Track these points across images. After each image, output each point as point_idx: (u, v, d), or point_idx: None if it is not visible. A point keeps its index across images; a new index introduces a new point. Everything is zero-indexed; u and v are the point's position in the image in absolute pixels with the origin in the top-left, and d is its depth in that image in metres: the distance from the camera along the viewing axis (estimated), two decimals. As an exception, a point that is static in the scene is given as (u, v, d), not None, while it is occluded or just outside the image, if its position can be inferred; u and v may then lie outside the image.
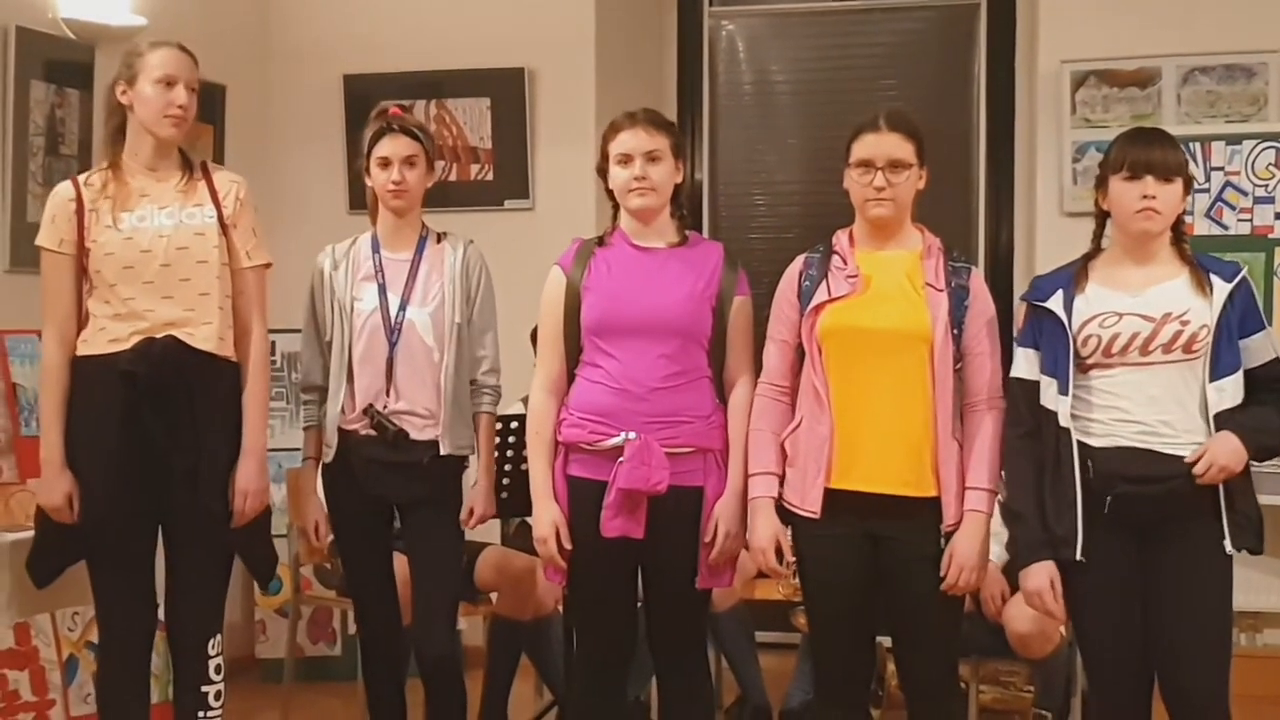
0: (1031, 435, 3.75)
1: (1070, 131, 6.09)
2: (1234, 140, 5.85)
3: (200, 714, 4.12)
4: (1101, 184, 3.77)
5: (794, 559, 3.95)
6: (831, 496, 3.83)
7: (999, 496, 3.87)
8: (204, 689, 4.12)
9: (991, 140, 6.72)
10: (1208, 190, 5.83)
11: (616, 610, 4.09)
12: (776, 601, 5.51)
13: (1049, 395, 3.72)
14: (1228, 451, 3.60)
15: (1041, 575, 3.73)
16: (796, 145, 7.05)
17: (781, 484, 3.92)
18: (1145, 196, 3.66)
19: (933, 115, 6.72)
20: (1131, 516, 3.66)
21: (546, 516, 4.02)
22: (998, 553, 5.30)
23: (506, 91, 6.58)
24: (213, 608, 4.17)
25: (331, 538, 4.50)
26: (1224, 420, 3.62)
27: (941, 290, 3.85)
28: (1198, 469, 3.59)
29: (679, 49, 7.04)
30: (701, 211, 7.01)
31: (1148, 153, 3.69)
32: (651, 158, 4.00)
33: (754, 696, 5.47)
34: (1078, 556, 3.67)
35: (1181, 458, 3.63)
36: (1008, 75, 6.67)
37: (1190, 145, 5.80)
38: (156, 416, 3.99)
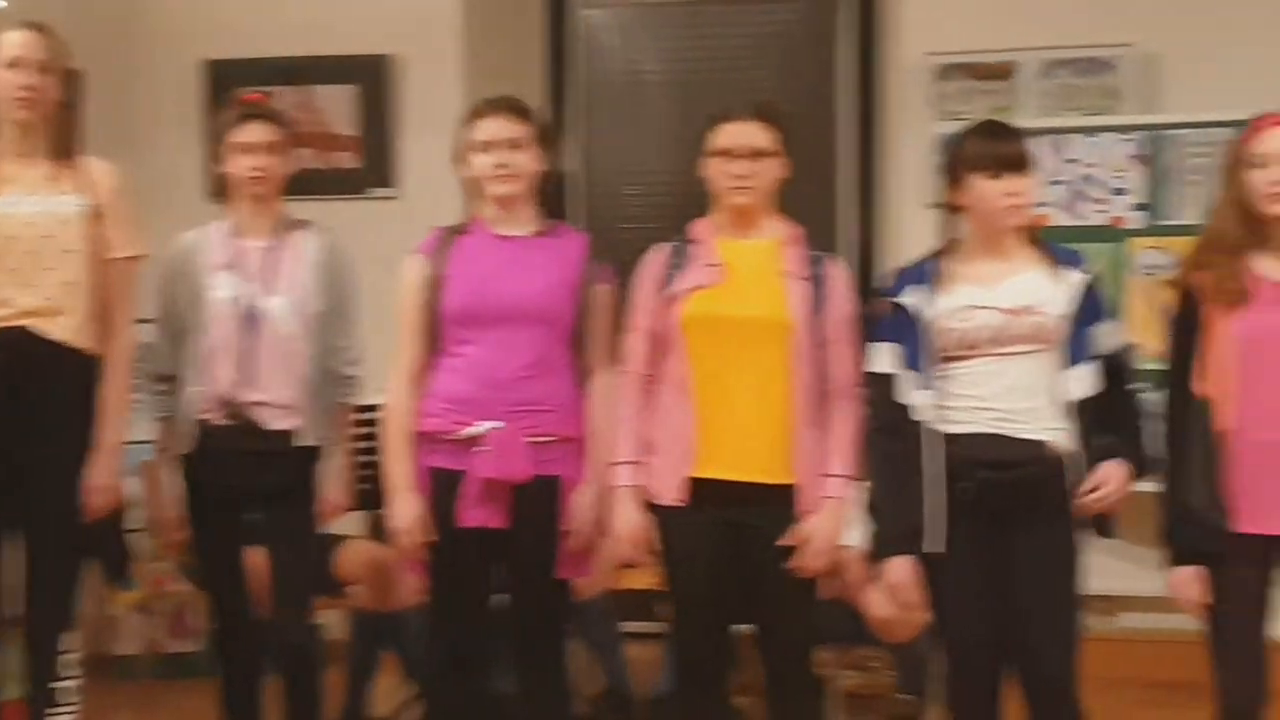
0: (890, 428, 3.78)
1: (931, 124, 6.14)
2: (1091, 133, 5.91)
3: (50, 711, 4.05)
4: (954, 180, 3.79)
5: (657, 548, 3.96)
6: (693, 485, 3.84)
7: (861, 487, 3.91)
8: (54, 686, 4.05)
9: (855, 132, 6.75)
10: (1065, 182, 5.89)
11: (474, 601, 4.07)
12: (643, 591, 5.50)
13: (907, 388, 3.76)
14: (1119, 479, 3.68)
15: (903, 569, 3.77)
16: (668, 136, 7.03)
17: (644, 473, 3.92)
18: (1011, 194, 3.70)
19: (798, 106, 6.74)
20: (989, 503, 3.70)
21: (405, 509, 3.99)
22: (860, 539, 5.36)
23: (372, 79, 6.51)
24: (62, 605, 4.11)
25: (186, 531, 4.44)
26: (1104, 449, 3.70)
27: (801, 279, 3.87)
28: (1092, 499, 3.67)
29: (548, 39, 7.01)
30: (572, 203, 6.99)
31: (1008, 148, 3.73)
32: (513, 145, 3.99)
33: (620, 686, 5.47)
34: (938, 545, 3.71)
35: (1039, 442, 3.68)
36: (871, 67, 6.71)
37: (1049, 138, 5.90)
38: (6, 410, 3.92)
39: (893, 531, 3.77)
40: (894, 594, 3.81)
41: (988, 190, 3.72)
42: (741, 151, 3.85)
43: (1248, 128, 3.65)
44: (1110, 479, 3.69)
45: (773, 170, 3.90)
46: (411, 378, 4.05)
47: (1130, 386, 3.78)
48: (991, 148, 3.74)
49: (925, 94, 6.28)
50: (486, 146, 4.00)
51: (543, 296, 3.98)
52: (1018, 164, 3.71)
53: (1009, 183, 3.69)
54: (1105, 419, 3.73)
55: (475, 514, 3.90)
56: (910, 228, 6.17)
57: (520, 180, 4.02)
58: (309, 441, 4.29)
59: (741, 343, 3.83)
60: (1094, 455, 3.70)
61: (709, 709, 4.01)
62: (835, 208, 6.81)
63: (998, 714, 3.85)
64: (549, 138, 4.14)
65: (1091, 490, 3.68)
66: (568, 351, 4.03)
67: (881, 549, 3.83)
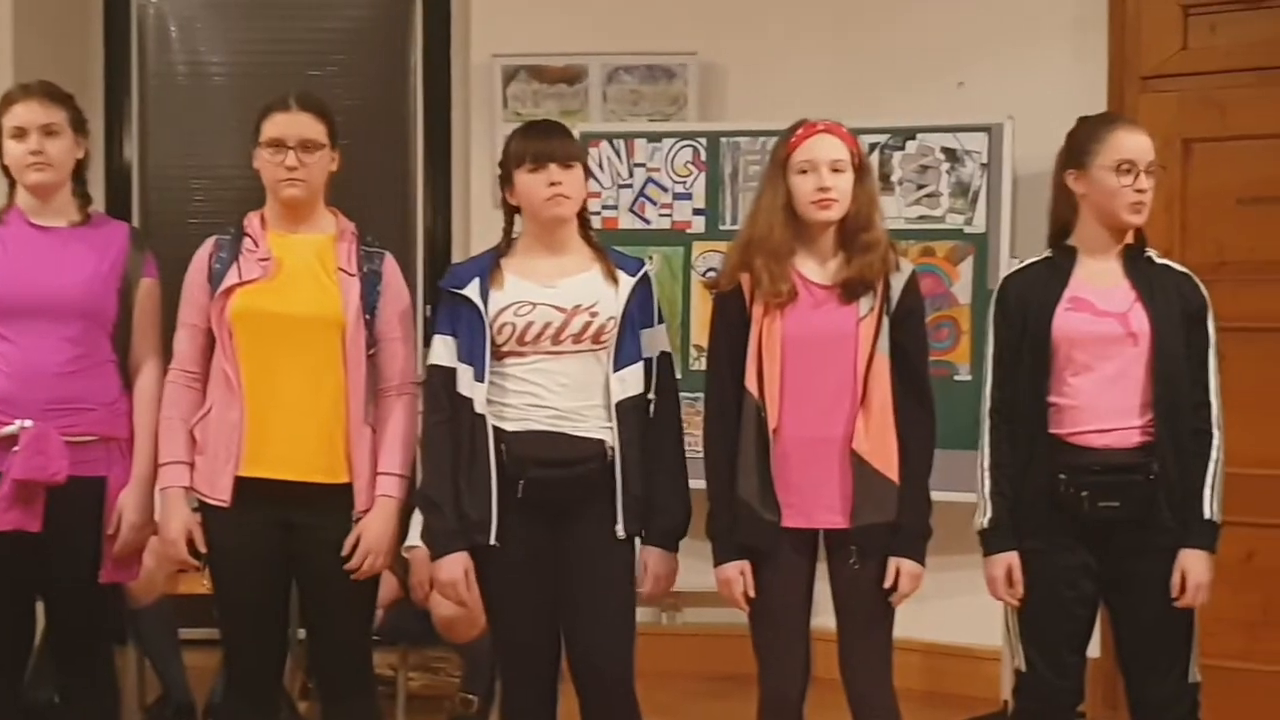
0: (449, 422, 3.77)
1: (502, 125, 6.15)
2: (655, 138, 6.02)
3: None
4: (507, 180, 3.82)
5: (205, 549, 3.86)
6: (243, 484, 3.76)
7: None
8: None
9: (429, 131, 6.73)
10: (631, 186, 6.00)
11: (17, 609, 3.91)
12: (202, 596, 5.37)
13: (465, 382, 3.75)
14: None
15: (455, 566, 3.75)
16: (234, 130, 6.87)
17: (193, 472, 3.82)
18: (553, 184, 3.73)
19: (372, 104, 6.74)
20: (544, 499, 3.73)
21: None
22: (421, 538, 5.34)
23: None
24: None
25: None
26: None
27: (354, 275, 3.83)
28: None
29: (105, 29, 6.78)
30: (131, 197, 6.77)
31: (547, 144, 3.76)
32: (48, 131, 3.85)
33: (177, 694, 5.32)
34: (492, 541, 3.71)
35: (593, 440, 3.73)
36: (444, 67, 6.71)
37: (615, 142, 6.01)
38: None
39: (448, 527, 3.76)
40: (447, 592, 3.80)
41: (530, 183, 3.75)
42: (292, 142, 3.78)
43: (791, 134, 3.76)
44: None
45: (324, 163, 3.85)
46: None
47: (660, 392, 3.84)
48: (532, 143, 3.77)
49: (495, 95, 6.31)
50: (19, 133, 3.85)
51: (81, 289, 3.84)
52: (558, 157, 3.74)
53: (550, 175, 3.73)
54: (647, 421, 3.80)
55: (8, 517, 3.73)
56: (484, 226, 6.18)
57: (55, 168, 3.87)
58: None
59: (291, 339, 3.76)
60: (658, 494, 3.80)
61: (259, 714, 3.92)
62: (411, 206, 6.79)
63: (553, 710, 3.88)
64: (84, 124, 3.98)
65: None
66: (111, 347, 3.90)
67: (437, 545, 3.80)
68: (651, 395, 3.82)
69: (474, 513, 3.72)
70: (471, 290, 3.77)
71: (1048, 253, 3.90)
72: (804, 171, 3.70)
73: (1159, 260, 3.84)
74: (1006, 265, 5.48)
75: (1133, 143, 3.78)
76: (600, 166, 5.93)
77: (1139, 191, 3.74)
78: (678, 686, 5.90)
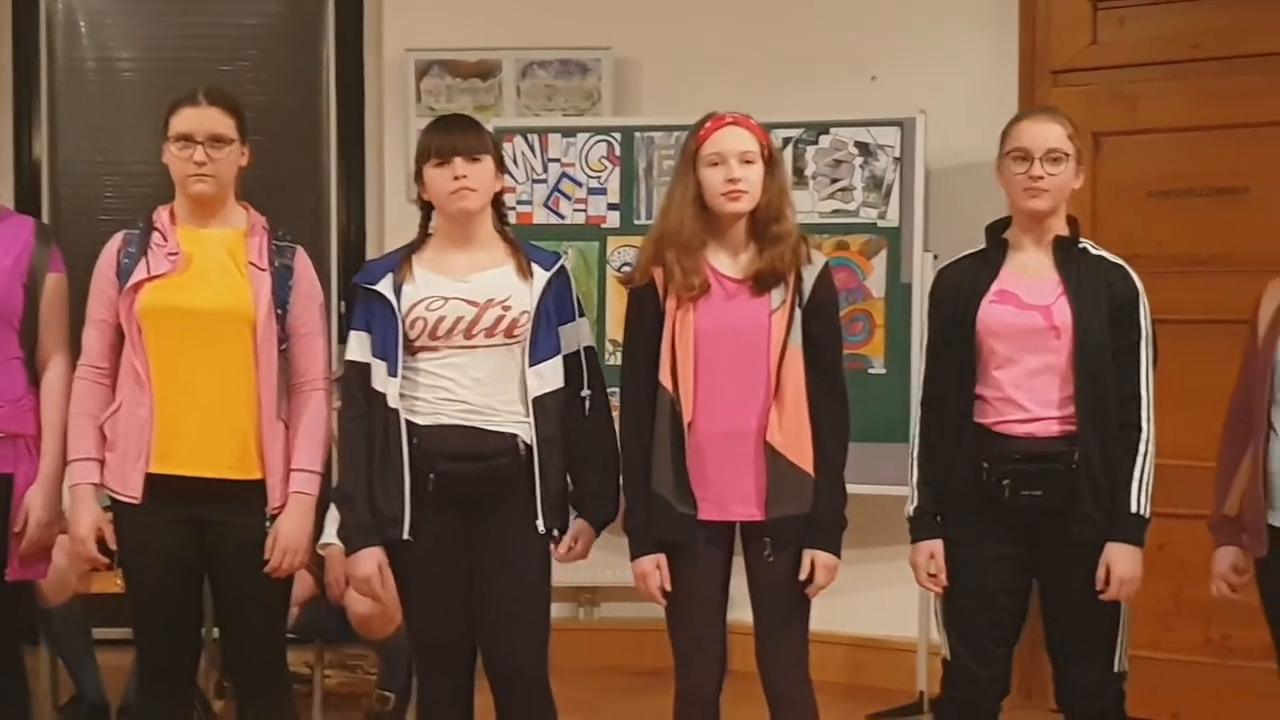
0: (364, 417, 3.75)
1: (416, 120, 6.13)
2: (570, 133, 6.02)
3: None
4: (419, 175, 3.81)
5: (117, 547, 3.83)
6: (154, 481, 3.73)
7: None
8: None
9: (342, 126, 6.69)
10: (545, 181, 5.99)
11: None
12: (115, 595, 5.32)
13: (379, 377, 3.73)
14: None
15: (368, 562, 3.73)
16: (145, 126, 6.79)
17: (103, 469, 3.78)
18: (457, 178, 3.72)
19: (285, 99, 6.69)
20: (456, 494, 3.71)
21: None
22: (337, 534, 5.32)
23: None
24: None
25: None
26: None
27: (265, 270, 3.81)
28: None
29: (13, 24, 6.69)
30: (41, 192, 6.69)
31: (452, 138, 3.75)
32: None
33: (90, 694, 5.27)
34: (405, 535, 3.70)
35: (507, 435, 3.71)
36: (357, 62, 6.67)
37: (529, 137, 6.00)
38: None
39: (362, 522, 3.74)
40: (361, 588, 3.78)
41: (436, 177, 3.74)
42: (200, 138, 3.75)
43: (700, 127, 3.76)
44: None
45: (234, 158, 3.82)
46: None
47: (591, 386, 3.84)
48: (437, 138, 3.77)
49: (408, 90, 6.29)
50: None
51: (-14, 286, 3.80)
52: (462, 151, 3.72)
53: (455, 169, 3.71)
54: (569, 417, 3.80)
55: (-88, 517, 3.69)
56: (398, 222, 6.17)
57: None
58: None
59: (202, 334, 3.73)
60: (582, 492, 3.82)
61: (172, 713, 3.89)
62: (325, 202, 6.75)
63: (469, 706, 3.87)
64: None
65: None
66: (17, 344, 3.86)
67: (353, 540, 3.78)
68: (586, 391, 3.81)
69: (387, 508, 3.71)
70: (384, 286, 3.76)
71: (982, 244, 3.92)
72: (713, 164, 3.70)
73: (1094, 251, 3.85)
74: (920, 259, 5.53)
75: (1028, 131, 3.81)
76: (514, 161, 5.92)
77: (1032, 178, 3.76)
78: (596, 681, 5.90)
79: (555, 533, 3.80)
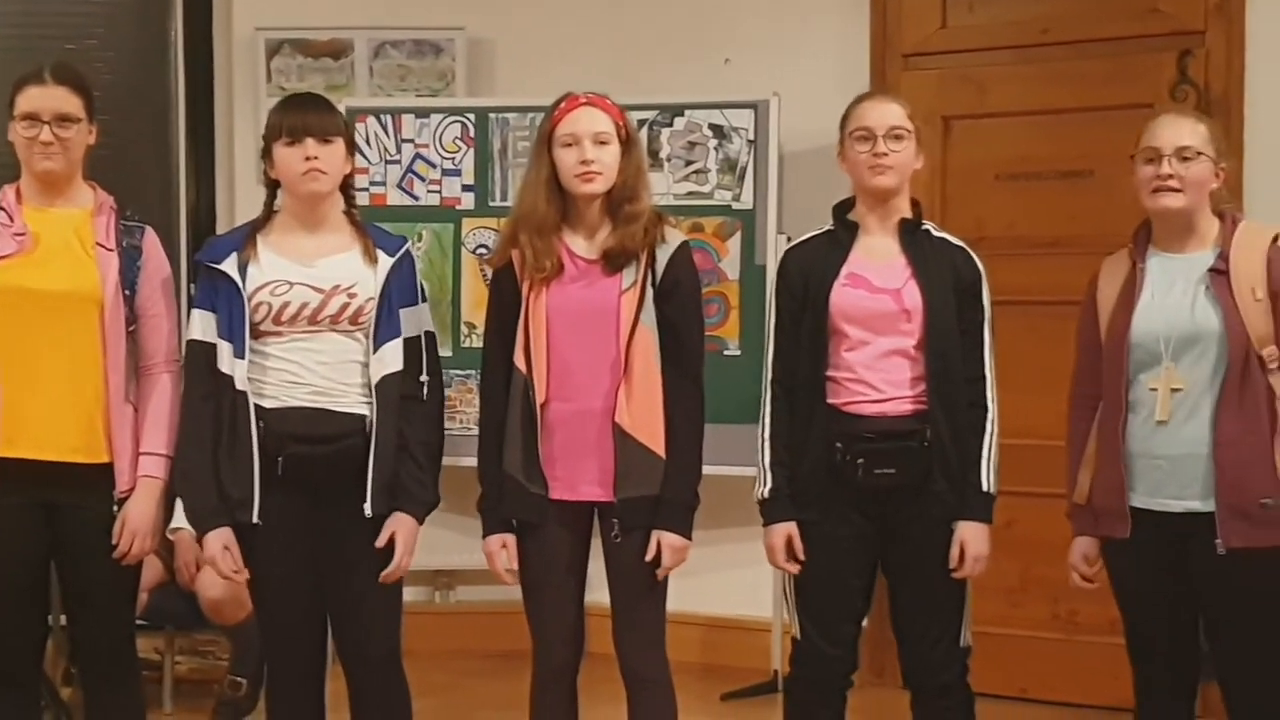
0: (212, 396, 3.70)
1: (266, 99, 6.05)
2: (423, 114, 5.98)
3: None
4: (267, 153, 3.76)
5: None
6: (0, 465, 3.66)
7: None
8: None
9: (191, 105, 6.58)
10: (399, 162, 5.95)
11: None
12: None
13: (225, 359, 3.69)
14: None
15: (215, 543, 3.69)
16: (-9, 106, 6.68)
17: None
18: (309, 159, 3.68)
19: (133, 78, 6.57)
20: (303, 477, 3.68)
21: None
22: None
23: None
24: None
25: None
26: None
27: (112, 250, 3.75)
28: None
29: None
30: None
31: (304, 117, 3.71)
32: None
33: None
34: (254, 519, 3.66)
35: (354, 416, 3.68)
36: (206, 40, 6.58)
37: (382, 117, 5.95)
38: None
39: (209, 504, 3.70)
40: (215, 567, 3.72)
41: (286, 157, 3.70)
42: (46, 117, 3.68)
43: (555, 108, 3.75)
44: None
45: (81, 137, 3.75)
46: None
47: (429, 372, 3.81)
48: (289, 117, 3.72)
49: (259, 70, 6.22)
50: None
51: None
52: (315, 131, 3.69)
53: (306, 149, 3.68)
54: (409, 401, 3.76)
55: None
56: (249, 201, 6.08)
57: None
58: None
59: (48, 316, 3.67)
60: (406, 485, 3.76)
61: (19, 702, 3.83)
62: (174, 181, 6.64)
63: (320, 690, 3.85)
64: None
65: None
66: None
67: (201, 522, 3.74)
68: (425, 377, 3.78)
69: (235, 491, 3.67)
70: (229, 265, 3.71)
71: (829, 225, 3.94)
72: (568, 145, 3.69)
73: (936, 234, 3.90)
74: (774, 241, 5.56)
75: (870, 111, 3.84)
76: (367, 142, 5.88)
77: (876, 155, 3.80)
78: (453, 665, 5.90)
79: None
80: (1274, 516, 3.57)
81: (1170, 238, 3.73)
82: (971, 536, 3.76)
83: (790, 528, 3.82)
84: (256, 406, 3.67)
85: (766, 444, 3.87)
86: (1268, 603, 3.62)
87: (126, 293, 3.73)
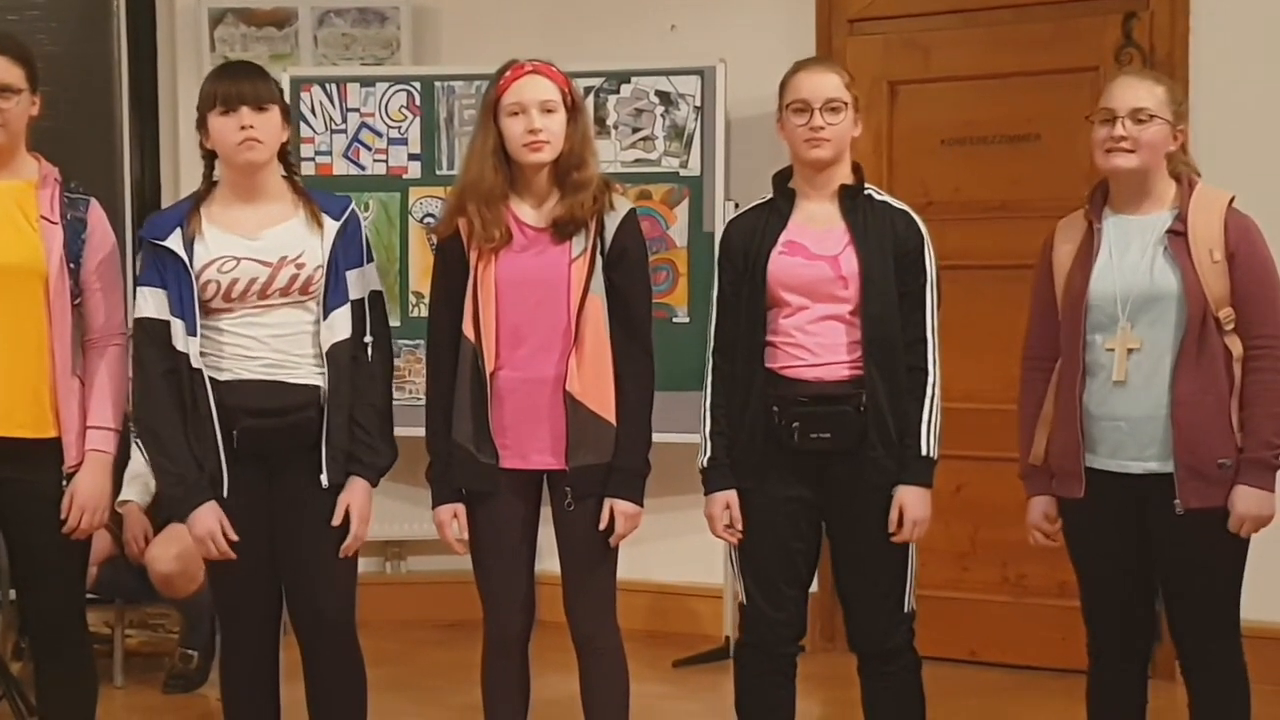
0: (174, 372, 3.67)
1: (210, 69, 6.00)
2: (368, 83, 5.96)
3: None
4: (202, 123, 3.73)
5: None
6: (-57, 442, 3.63)
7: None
8: None
9: (134, 75, 6.53)
10: (345, 131, 5.93)
11: None
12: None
13: (179, 336, 3.66)
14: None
15: (209, 518, 3.65)
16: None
17: None
18: (244, 128, 3.65)
19: (75, 48, 6.49)
20: (258, 450, 3.67)
21: None
22: (138, 492, 5.25)
23: None
24: None
25: None
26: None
27: (56, 223, 3.72)
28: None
29: None
30: None
31: (238, 85, 3.68)
32: None
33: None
34: (225, 494, 3.65)
35: (309, 387, 3.68)
36: (149, 9, 6.52)
37: (328, 86, 5.93)
38: None
39: (192, 480, 3.66)
40: (206, 545, 3.66)
41: (221, 127, 3.68)
42: (-12, 89, 3.66)
43: (500, 76, 3.73)
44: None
45: (24, 107, 3.71)
46: None
47: (374, 333, 3.78)
48: (223, 85, 3.69)
49: (202, 39, 6.18)
50: None
51: None
52: (249, 100, 3.66)
53: (241, 118, 3.65)
54: (360, 365, 3.75)
55: None
56: (193, 172, 5.98)
57: None
58: None
59: (-8, 290, 3.64)
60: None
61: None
62: (118, 153, 6.59)
63: (274, 662, 3.84)
64: None
65: None
66: None
67: (183, 500, 3.68)
68: (368, 338, 3.76)
69: (206, 465, 3.65)
70: (174, 242, 3.67)
71: (769, 195, 3.93)
72: (514, 114, 3.67)
73: (879, 198, 3.87)
74: (722, 208, 5.57)
75: (806, 82, 3.80)
76: (312, 112, 5.86)
77: (812, 129, 3.78)
78: (404, 635, 5.90)
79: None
80: (1231, 476, 3.59)
81: (1126, 199, 3.74)
82: (910, 500, 3.76)
83: (729, 496, 3.82)
84: (211, 380, 3.65)
85: (708, 414, 3.86)
86: (1224, 563, 3.65)
87: (71, 266, 3.71)
